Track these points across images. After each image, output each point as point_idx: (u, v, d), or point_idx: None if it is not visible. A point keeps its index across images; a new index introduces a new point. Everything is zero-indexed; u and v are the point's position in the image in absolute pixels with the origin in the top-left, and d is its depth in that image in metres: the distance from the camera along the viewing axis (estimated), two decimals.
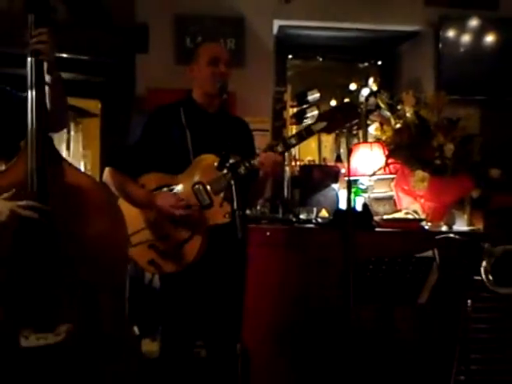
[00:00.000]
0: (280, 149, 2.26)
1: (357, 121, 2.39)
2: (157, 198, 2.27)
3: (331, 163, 3.97)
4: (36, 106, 1.71)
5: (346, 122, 2.31)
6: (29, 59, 1.73)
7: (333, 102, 4.28)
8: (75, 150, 3.87)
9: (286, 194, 3.53)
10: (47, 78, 1.75)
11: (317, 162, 4.02)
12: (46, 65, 1.74)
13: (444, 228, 3.11)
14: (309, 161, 4.05)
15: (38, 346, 1.67)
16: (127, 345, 1.82)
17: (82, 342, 1.73)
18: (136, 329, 2.79)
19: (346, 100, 3.60)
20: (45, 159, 1.71)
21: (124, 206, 2.27)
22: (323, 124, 2.28)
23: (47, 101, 1.76)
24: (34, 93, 1.72)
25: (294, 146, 2.35)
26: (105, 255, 1.78)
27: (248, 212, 2.77)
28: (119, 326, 1.82)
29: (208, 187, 2.26)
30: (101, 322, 1.76)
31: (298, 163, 3.85)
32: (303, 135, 2.30)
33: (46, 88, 1.75)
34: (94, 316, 1.75)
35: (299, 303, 2.77)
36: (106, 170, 2.36)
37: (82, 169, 3.98)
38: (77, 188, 1.77)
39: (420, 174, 3.06)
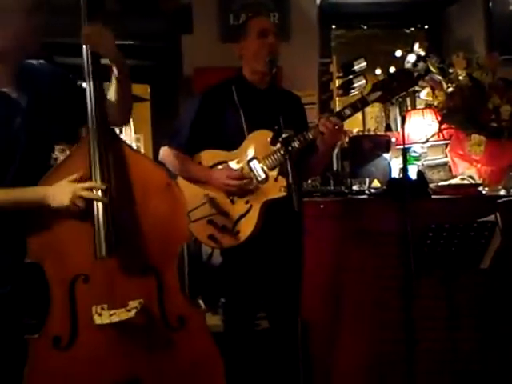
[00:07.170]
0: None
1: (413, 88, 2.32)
2: (214, 173, 2.32)
3: (381, 133, 3.92)
4: (94, 95, 1.76)
5: (401, 90, 2.25)
6: (84, 48, 1.78)
7: (378, 71, 4.20)
8: (127, 134, 3.96)
9: (335, 166, 3.50)
10: (115, 72, 1.79)
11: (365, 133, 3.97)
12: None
13: (502, 192, 3.03)
14: (358, 132, 4.00)
15: (112, 323, 1.73)
16: (193, 320, 1.86)
17: (150, 319, 1.79)
18: (201, 302, 2.87)
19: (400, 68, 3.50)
20: (105, 145, 1.76)
21: (183, 183, 2.33)
22: (378, 94, 2.24)
23: (113, 94, 1.82)
24: (91, 83, 1.76)
25: (348, 117, 2.29)
26: (165, 235, 1.83)
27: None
28: (182, 302, 1.87)
29: (263, 162, 2.29)
30: (164, 298, 1.82)
31: (346, 135, 3.81)
32: (357, 106, 2.27)
33: (114, 82, 1.81)
34: (159, 293, 1.81)
35: (356, 273, 2.77)
36: (162, 149, 2.42)
37: None
38: (137, 169, 1.82)
39: (476, 137, 2.98)
